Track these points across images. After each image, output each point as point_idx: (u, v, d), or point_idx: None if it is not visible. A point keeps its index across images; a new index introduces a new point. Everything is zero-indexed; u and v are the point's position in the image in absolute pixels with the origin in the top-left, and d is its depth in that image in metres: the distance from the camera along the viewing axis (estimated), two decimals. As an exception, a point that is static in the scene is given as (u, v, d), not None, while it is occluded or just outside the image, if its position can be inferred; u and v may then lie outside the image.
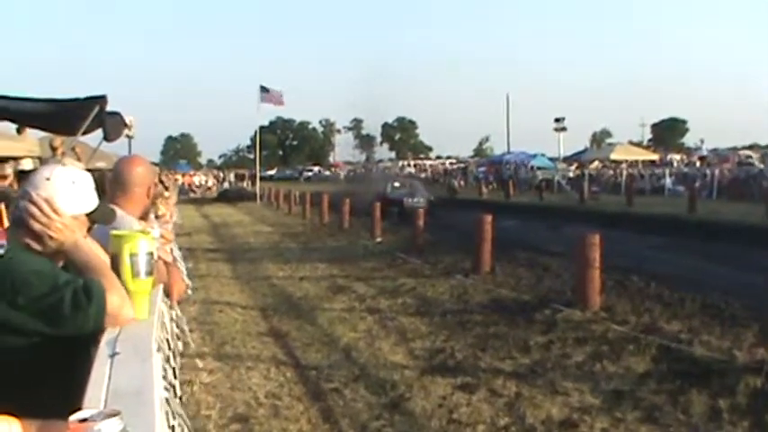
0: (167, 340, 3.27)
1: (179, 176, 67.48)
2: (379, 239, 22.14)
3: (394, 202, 31.21)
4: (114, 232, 2.95)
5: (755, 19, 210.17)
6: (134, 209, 3.99)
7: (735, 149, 77.81)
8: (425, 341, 9.90)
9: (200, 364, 8.54)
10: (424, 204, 29.75)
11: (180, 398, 2.83)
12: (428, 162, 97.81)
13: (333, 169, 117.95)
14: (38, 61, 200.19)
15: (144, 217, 4.36)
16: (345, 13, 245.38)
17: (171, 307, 4.21)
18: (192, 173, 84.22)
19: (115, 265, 2.79)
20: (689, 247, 19.22)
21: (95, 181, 3.05)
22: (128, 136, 15.68)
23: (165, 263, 4.12)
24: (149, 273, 2.86)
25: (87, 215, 2.93)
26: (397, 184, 36.36)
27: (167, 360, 3.19)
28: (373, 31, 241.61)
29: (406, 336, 10.25)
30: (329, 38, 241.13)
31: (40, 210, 2.76)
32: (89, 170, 3.42)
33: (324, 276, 15.98)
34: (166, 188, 13.52)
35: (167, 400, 2.38)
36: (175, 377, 3.25)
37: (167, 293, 3.92)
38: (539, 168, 59.38)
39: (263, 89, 48.91)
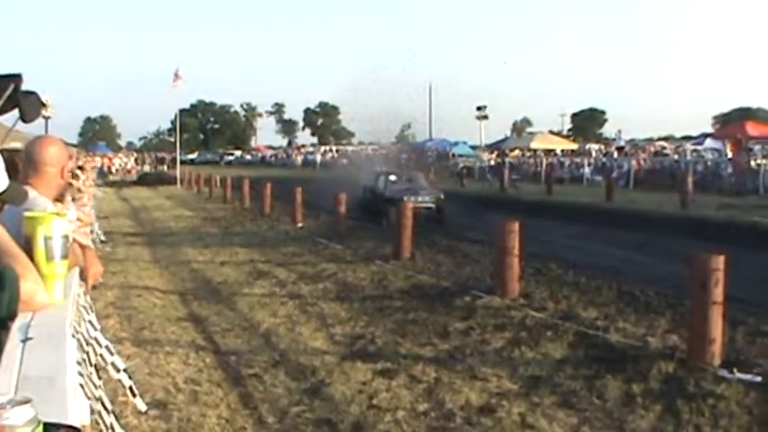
0: (90, 322, 3.20)
1: (98, 158, 66.20)
2: (300, 225, 22.05)
3: (392, 202, 22.28)
4: (28, 214, 2.86)
5: (673, 13, 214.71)
6: (48, 190, 3.89)
7: (651, 140, 79.46)
8: (346, 327, 9.91)
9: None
10: (433, 204, 24.39)
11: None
12: (350, 148, 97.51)
13: (254, 153, 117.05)
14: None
15: (60, 199, 4.26)
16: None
17: (85, 292, 4.12)
18: (110, 155, 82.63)
19: (29, 248, 2.71)
20: (606, 235, 19.57)
21: (8, 161, 2.95)
22: (44, 116, 15.33)
23: (81, 246, 4.03)
24: (64, 256, 2.78)
25: None
26: (393, 178, 26.82)
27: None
28: (296, 13, 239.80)
29: (327, 321, 10.24)
30: (249, 21, 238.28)
31: None
32: (3, 150, 3.33)
33: (244, 261, 15.87)
34: (81, 168, 13.26)
35: (82, 386, 2.33)
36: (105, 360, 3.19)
37: (83, 277, 3.84)
38: (460, 156, 59.77)
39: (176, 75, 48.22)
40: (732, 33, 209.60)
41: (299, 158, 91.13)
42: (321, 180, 37.83)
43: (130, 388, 3.32)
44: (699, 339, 7.51)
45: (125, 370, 3.31)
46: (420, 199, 23.66)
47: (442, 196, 24.91)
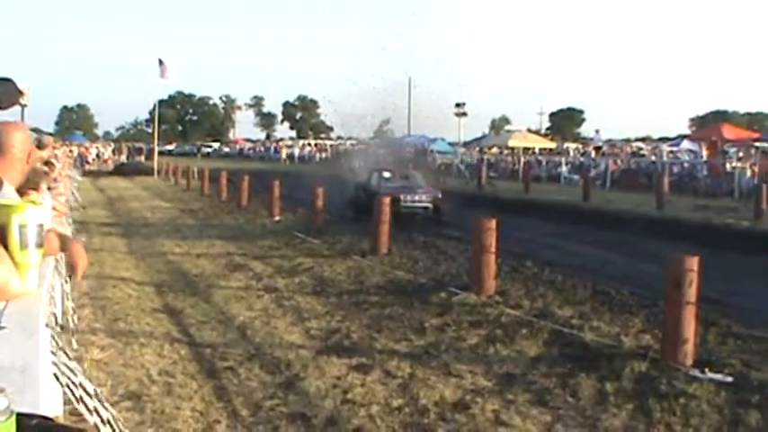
0: (54, 314, 3.17)
1: (74, 148, 65.60)
2: (277, 218, 22.00)
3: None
4: (2, 201, 2.84)
5: (652, 15, 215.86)
6: (12, 173, 3.83)
7: (628, 141, 79.85)
8: (321, 321, 9.90)
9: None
10: (430, 203, 22.90)
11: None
12: (328, 142, 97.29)
13: (232, 145, 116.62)
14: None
15: (35, 188, 4.23)
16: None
17: (67, 282, 4.09)
18: (87, 144, 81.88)
19: (2, 237, 2.69)
20: (582, 234, 19.65)
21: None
22: (21, 104, 15.21)
23: (65, 237, 4.00)
24: (39, 245, 2.76)
25: None
26: (387, 175, 24.98)
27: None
28: (277, 6, 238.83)
29: (303, 315, 10.23)
30: (229, 13, 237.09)
31: None
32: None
33: (221, 254, 15.83)
34: (57, 157, 13.15)
35: (56, 375, 2.31)
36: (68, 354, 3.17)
37: (72, 269, 3.81)
38: (438, 152, 59.71)
39: (161, 62, 47.90)
40: (710, 37, 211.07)
41: (285, 152, 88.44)
42: (300, 174, 37.78)
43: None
44: (672, 339, 7.55)
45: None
46: (417, 198, 22.81)
47: (440, 195, 23.51)
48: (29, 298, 2.59)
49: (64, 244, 3.92)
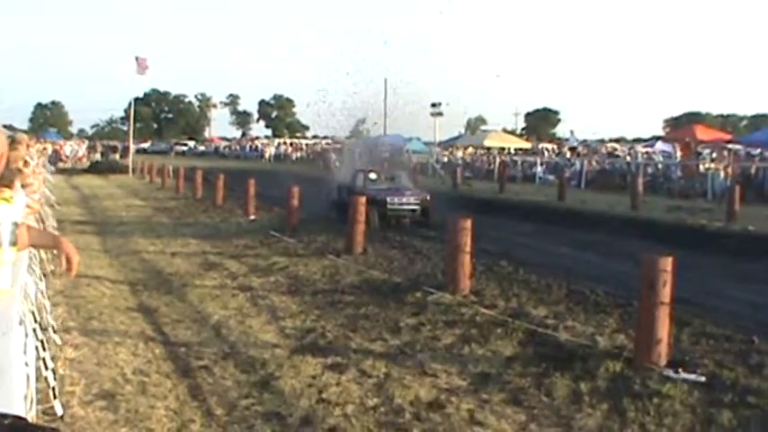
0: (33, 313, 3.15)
1: (48, 145, 65.04)
2: (252, 217, 21.93)
3: (373, 202, 19.44)
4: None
5: (627, 18, 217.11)
6: None
7: (603, 141, 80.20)
8: (296, 320, 9.89)
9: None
10: (417, 205, 21.47)
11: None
12: (304, 141, 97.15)
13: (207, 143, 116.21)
14: None
15: (9, 185, 4.19)
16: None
17: (41, 281, 4.05)
18: (61, 142, 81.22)
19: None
20: (557, 234, 19.70)
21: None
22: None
23: (52, 234, 3.98)
24: (13, 243, 2.74)
25: None
26: (372, 176, 23.51)
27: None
28: (252, 4, 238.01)
29: (277, 314, 10.22)
30: (205, 10, 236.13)
31: None
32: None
33: (196, 252, 15.77)
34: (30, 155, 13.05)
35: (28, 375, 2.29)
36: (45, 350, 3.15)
37: (68, 265, 3.79)
38: (414, 152, 59.64)
39: (137, 59, 47.65)
40: (684, 39, 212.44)
41: (268, 151, 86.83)
42: (276, 173, 37.72)
43: (53, 389, 3.26)
44: (646, 339, 7.59)
45: (53, 369, 3.27)
46: (404, 200, 21.47)
47: (429, 197, 22.07)
48: (2, 297, 2.57)
49: (55, 241, 3.89)
